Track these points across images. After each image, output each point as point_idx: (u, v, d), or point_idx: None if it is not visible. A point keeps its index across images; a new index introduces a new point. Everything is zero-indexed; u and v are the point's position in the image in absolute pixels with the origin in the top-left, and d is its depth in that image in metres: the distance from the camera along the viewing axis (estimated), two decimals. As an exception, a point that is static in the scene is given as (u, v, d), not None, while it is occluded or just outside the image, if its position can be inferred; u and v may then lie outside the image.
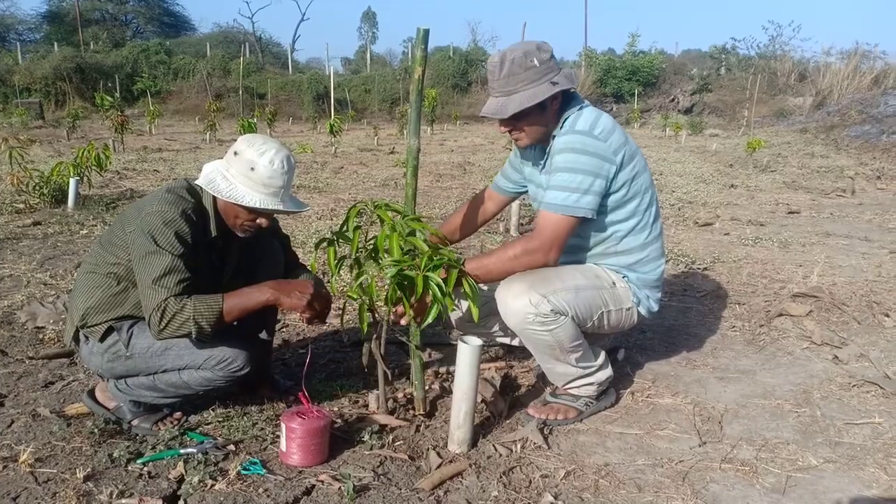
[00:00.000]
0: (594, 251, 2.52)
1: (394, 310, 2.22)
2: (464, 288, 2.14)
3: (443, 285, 2.07)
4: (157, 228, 2.09)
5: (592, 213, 2.32)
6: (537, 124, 2.40)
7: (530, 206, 5.14)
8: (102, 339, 2.21)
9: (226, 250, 2.39)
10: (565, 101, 2.41)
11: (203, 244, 2.24)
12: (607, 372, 2.55)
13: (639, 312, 2.54)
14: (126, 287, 2.22)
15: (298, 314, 2.26)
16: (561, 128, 2.39)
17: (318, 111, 25.85)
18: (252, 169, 2.14)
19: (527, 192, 2.79)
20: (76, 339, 2.27)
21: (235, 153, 2.18)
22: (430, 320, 2.14)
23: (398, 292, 2.11)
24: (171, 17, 44.04)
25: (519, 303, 2.28)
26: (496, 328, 2.79)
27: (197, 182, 2.22)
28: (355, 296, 2.18)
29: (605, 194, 2.36)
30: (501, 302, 2.35)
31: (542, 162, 2.52)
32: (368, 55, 38.31)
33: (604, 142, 2.32)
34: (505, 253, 2.37)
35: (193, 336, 2.08)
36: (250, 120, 12.03)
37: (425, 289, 2.07)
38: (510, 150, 2.72)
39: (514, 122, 2.37)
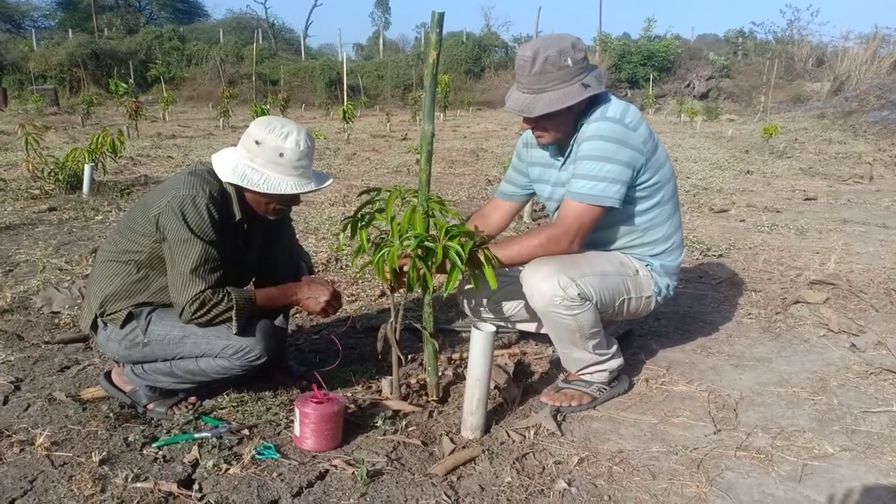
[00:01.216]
0: (619, 242, 2.50)
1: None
2: (481, 260, 2.16)
3: (462, 252, 2.10)
4: (189, 212, 2.09)
5: (619, 203, 2.29)
6: (563, 124, 2.36)
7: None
8: (122, 326, 2.22)
9: (249, 234, 2.39)
10: (592, 98, 2.35)
11: (228, 227, 2.24)
12: (619, 360, 2.54)
13: (656, 301, 2.54)
14: (147, 274, 2.22)
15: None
16: (589, 116, 2.34)
17: (330, 97, 25.87)
18: (281, 155, 2.15)
19: (534, 195, 2.76)
20: (93, 326, 2.28)
21: (257, 142, 2.16)
22: (452, 287, 2.15)
23: (419, 262, 2.14)
24: (185, 4, 44.13)
25: (547, 285, 2.27)
26: (510, 313, 2.78)
27: (226, 180, 2.18)
28: (376, 260, 2.19)
29: (632, 185, 2.34)
30: (528, 283, 2.33)
31: (560, 158, 2.48)
32: (381, 41, 38.21)
33: (634, 131, 2.29)
34: (528, 241, 2.35)
35: (234, 329, 2.15)
36: (263, 106, 12.03)
37: (445, 258, 2.10)
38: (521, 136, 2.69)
39: (539, 120, 2.33)
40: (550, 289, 2.27)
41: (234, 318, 2.13)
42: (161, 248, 2.16)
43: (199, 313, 2.11)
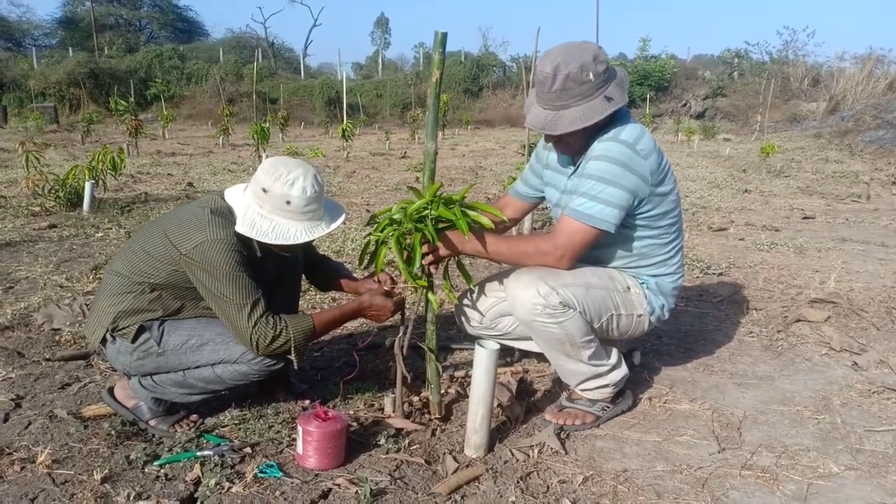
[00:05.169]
0: (615, 262, 2.48)
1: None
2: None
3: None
4: (221, 256, 2.09)
5: (613, 228, 2.25)
6: (585, 137, 2.32)
7: (545, 209, 5.13)
8: (133, 340, 2.21)
9: (268, 266, 2.39)
10: (613, 113, 2.30)
11: (252, 264, 2.24)
12: (622, 371, 2.51)
13: (650, 321, 2.51)
14: (160, 294, 2.22)
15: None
16: (604, 134, 2.30)
17: (329, 116, 25.99)
18: (287, 203, 2.13)
19: (545, 199, 2.75)
20: (102, 340, 2.27)
21: (264, 190, 2.14)
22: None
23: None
24: (185, 23, 44.50)
25: (527, 293, 2.25)
26: (507, 330, 2.73)
27: (238, 230, 2.16)
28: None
29: (632, 213, 2.32)
30: (510, 293, 2.31)
31: (571, 167, 2.46)
32: (381, 60, 38.47)
33: (644, 159, 2.25)
34: (519, 246, 2.34)
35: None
36: (263, 125, 12.05)
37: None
38: (522, 154, 2.69)
39: (562, 136, 2.30)
40: (531, 297, 2.24)
41: (292, 346, 2.15)
42: (178, 276, 2.17)
43: (262, 344, 2.12)
